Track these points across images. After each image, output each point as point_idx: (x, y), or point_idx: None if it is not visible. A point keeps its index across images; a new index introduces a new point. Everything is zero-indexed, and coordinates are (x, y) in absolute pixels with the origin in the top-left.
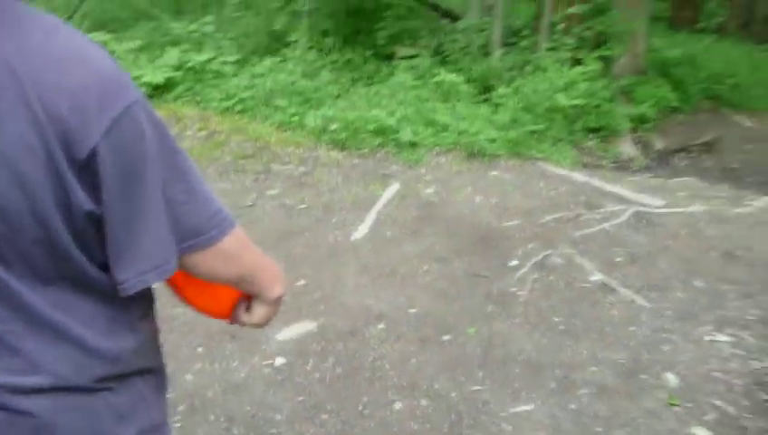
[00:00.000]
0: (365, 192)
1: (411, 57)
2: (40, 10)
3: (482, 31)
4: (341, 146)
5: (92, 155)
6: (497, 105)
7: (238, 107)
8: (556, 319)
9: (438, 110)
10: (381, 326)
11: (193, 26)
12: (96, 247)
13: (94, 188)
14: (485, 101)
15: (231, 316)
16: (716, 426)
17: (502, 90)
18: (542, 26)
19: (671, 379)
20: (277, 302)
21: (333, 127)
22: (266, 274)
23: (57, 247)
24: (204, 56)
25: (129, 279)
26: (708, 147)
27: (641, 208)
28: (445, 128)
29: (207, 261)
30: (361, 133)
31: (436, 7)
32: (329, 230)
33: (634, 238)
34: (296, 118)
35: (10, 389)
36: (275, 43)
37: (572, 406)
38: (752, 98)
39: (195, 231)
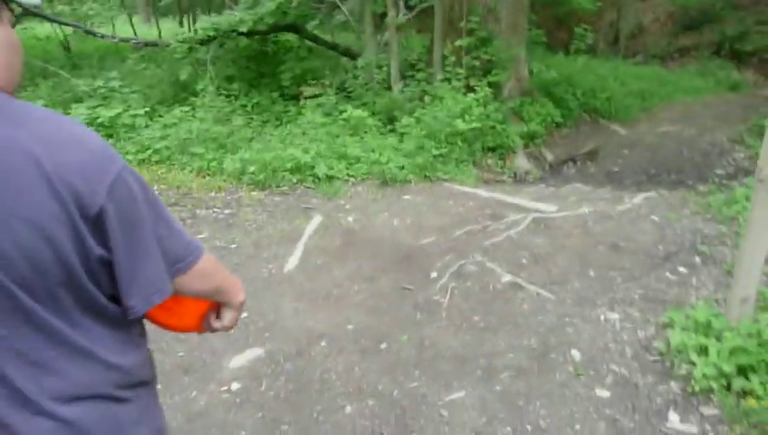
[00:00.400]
0: (290, 227)
1: (317, 96)
2: (26, 102)
3: (380, 67)
4: (262, 186)
5: (100, 213)
6: (402, 134)
7: (155, 157)
8: (476, 318)
9: (349, 143)
10: (324, 344)
11: (98, 82)
12: (106, 283)
13: (103, 238)
14: (391, 131)
15: (202, 327)
16: (614, 386)
17: (405, 120)
18: (435, 59)
19: (576, 354)
20: (241, 306)
21: (252, 169)
22: (233, 285)
23: (76, 285)
24: (113, 111)
25: (137, 304)
26: (591, 155)
27: (539, 215)
28: (357, 160)
29: (189, 280)
30: (279, 172)
31: (334, 47)
32: (262, 265)
33: (535, 241)
34: (214, 163)
35: (55, 400)
36: (182, 93)
37: (497, 388)
38: (622, 108)
39: (178, 258)
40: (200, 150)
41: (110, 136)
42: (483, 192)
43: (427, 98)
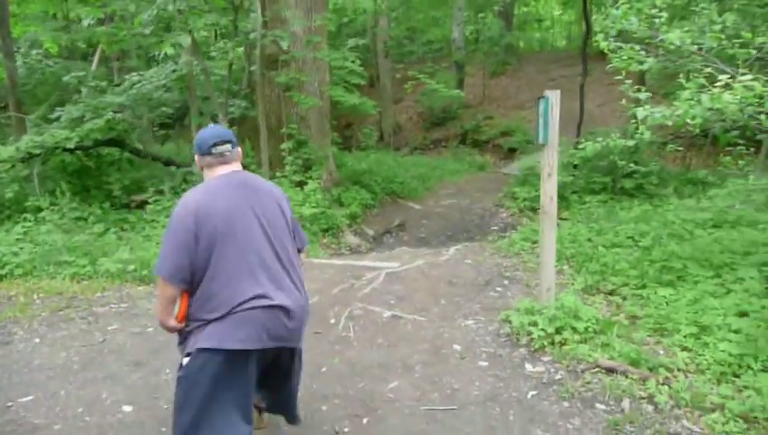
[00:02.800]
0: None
1: (147, 203)
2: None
3: None
4: (145, 281)
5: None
6: None
7: (18, 271)
8: (379, 340)
9: None
10: None
11: None
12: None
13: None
14: None
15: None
16: (488, 359)
17: None
18: (263, 160)
19: (457, 347)
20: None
21: (132, 267)
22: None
23: (289, 231)
24: None
25: (304, 246)
26: (401, 227)
27: (389, 270)
28: None
29: None
30: None
31: (157, 158)
32: None
33: (394, 288)
34: (88, 268)
35: (293, 300)
36: (7, 210)
37: (417, 375)
38: (412, 189)
39: None
40: (70, 258)
41: None
42: (336, 261)
43: None
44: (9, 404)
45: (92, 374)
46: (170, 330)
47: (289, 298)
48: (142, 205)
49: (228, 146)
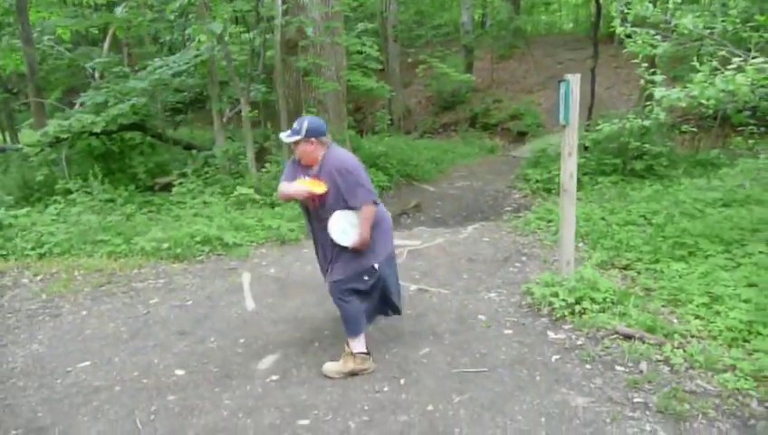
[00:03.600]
0: (227, 283)
1: (172, 185)
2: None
3: (236, 155)
4: (180, 258)
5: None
6: (280, 206)
7: (56, 250)
8: (408, 311)
9: (241, 216)
10: (317, 344)
11: None
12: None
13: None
14: (269, 204)
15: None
16: (513, 327)
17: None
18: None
19: (482, 317)
20: None
21: (166, 245)
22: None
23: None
24: None
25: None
26: (417, 208)
27: (411, 247)
28: (254, 228)
29: None
30: (192, 246)
31: (178, 142)
32: (225, 310)
33: (417, 264)
34: (123, 247)
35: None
36: (37, 193)
37: (446, 343)
38: (426, 172)
39: None
40: (106, 237)
41: None
42: None
43: None
44: (69, 369)
45: (142, 343)
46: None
47: None
48: (166, 187)
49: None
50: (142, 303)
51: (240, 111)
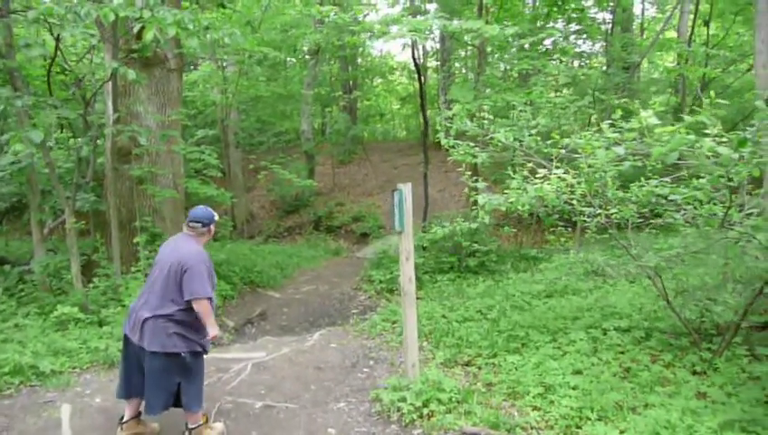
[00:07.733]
0: (42, 420)
1: None
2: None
3: (58, 269)
4: None
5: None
6: (110, 323)
7: None
8: (253, 432)
9: (62, 338)
10: None
11: None
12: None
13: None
14: (96, 322)
15: None
16: None
17: (111, 310)
18: (114, 256)
19: (331, 431)
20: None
21: None
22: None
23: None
24: None
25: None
26: (262, 316)
27: (255, 360)
28: (77, 351)
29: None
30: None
31: None
32: None
33: (262, 378)
34: None
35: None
36: None
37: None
38: (271, 278)
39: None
40: None
41: None
42: None
43: (121, 288)
44: None
45: None
46: None
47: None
48: None
49: (198, 224)
50: None
51: (64, 222)
